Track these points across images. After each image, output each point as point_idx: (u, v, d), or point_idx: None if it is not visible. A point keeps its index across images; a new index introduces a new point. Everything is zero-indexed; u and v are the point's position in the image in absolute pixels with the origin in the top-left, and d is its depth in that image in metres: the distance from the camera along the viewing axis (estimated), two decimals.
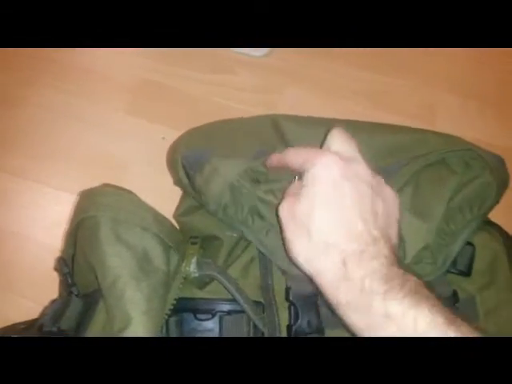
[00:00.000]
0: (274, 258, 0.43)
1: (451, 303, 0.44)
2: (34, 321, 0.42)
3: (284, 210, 0.37)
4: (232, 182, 0.41)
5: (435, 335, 0.31)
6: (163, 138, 0.57)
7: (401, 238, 0.41)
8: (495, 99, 0.63)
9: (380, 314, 0.33)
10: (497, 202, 0.45)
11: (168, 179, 0.47)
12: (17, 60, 0.60)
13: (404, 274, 0.34)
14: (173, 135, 0.56)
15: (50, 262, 0.53)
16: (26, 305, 0.50)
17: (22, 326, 0.43)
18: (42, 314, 0.41)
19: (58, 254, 0.50)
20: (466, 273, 0.45)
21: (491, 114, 0.62)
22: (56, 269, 0.45)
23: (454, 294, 0.45)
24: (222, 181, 0.41)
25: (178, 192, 0.47)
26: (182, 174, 0.44)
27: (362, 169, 0.38)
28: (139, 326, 0.35)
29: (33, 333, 0.40)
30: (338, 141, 0.39)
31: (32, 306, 0.46)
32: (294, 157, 0.39)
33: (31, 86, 0.59)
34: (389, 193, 0.39)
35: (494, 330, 0.45)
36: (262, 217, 0.42)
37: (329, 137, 0.40)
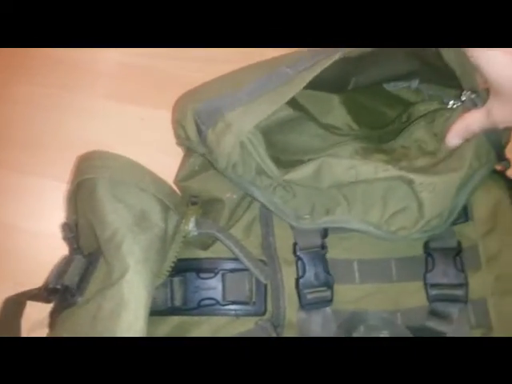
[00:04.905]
0: (282, 215, 0.43)
1: (455, 253, 0.45)
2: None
3: None
4: (242, 140, 0.40)
5: None
6: (142, 119, 0.58)
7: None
8: None
9: None
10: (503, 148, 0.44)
11: (149, 158, 0.47)
12: None
13: None
14: (151, 114, 0.57)
15: (47, 249, 0.52)
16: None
17: (35, 292, 0.45)
18: (48, 276, 0.42)
19: (53, 241, 0.49)
20: (466, 219, 0.45)
21: None
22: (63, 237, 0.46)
23: (458, 244, 0.45)
24: (234, 138, 0.40)
25: (160, 169, 0.47)
26: (191, 130, 0.43)
27: None
28: (136, 274, 0.36)
29: (41, 294, 0.42)
30: None
31: None
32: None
33: (11, 84, 0.59)
34: None
35: (497, 273, 0.45)
36: (268, 176, 0.42)
37: None
